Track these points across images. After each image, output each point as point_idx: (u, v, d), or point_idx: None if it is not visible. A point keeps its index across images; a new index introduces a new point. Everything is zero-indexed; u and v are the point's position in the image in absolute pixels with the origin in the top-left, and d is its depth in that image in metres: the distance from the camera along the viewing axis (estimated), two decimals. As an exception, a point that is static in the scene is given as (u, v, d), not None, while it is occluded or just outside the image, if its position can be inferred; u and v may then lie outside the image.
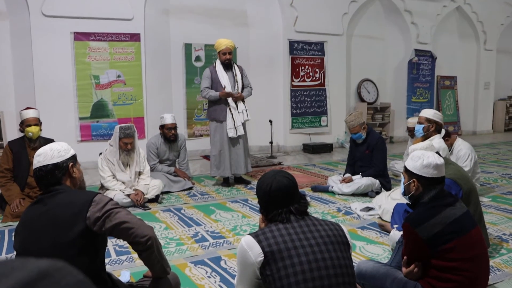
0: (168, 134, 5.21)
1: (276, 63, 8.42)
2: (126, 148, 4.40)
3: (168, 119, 5.23)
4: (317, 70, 8.66)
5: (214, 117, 5.19)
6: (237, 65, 5.34)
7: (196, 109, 7.83)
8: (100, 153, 4.61)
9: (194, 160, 7.23)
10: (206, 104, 7.56)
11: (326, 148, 8.36)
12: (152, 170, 5.15)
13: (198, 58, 7.73)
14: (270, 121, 7.82)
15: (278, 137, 8.39)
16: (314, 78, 8.63)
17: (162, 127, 5.30)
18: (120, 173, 4.53)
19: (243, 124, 5.24)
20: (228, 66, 5.15)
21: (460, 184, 2.81)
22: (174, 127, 5.25)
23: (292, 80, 8.44)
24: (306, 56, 8.53)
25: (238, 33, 7.66)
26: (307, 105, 8.60)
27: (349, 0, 8.90)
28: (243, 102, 5.22)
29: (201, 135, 7.87)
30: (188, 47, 7.67)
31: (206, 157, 7.46)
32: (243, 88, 5.27)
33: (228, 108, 5.09)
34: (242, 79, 5.26)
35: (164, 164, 5.41)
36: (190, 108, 7.80)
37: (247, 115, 5.20)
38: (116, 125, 4.60)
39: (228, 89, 5.05)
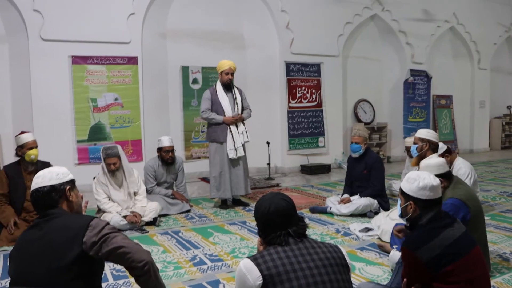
0: (166, 156, 5.18)
1: (273, 85, 8.44)
2: (112, 168, 4.37)
3: (165, 142, 5.21)
4: (313, 91, 8.71)
5: (214, 138, 5.19)
6: (237, 88, 5.36)
7: (194, 131, 7.82)
8: (94, 177, 4.59)
9: (191, 182, 7.17)
10: (204, 126, 7.60)
11: (323, 169, 8.34)
12: (149, 192, 5.12)
13: (195, 81, 7.76)
14: (268, 143, 7.80)
15: (275, 158, 8.33)
16: (311, 99, 8.67)
17: (159, 149, 5.27)
18: (114, 191, 4.49)
19: (243, 145, 5.23)
20: (228, 87, 5.18)
21: (469, 205, 2.77)
22: (171, 149, 5.23)
23: (289, 102, 8.47)
24: (302, 78, 8.58)
25: (235, 56, 7.66)
26: (304, 126, 8.61)
27: (344, 21, 8.94)
28: (243, 123, 5.24)
29: (198, 157, 7.84)
30: (185, 69, 7.70)
31: (204, 179, 7.42)
32: (242, 110, 5.29)
33: (228, 129, 5.10)
34: (241, 101, 5.28)
35: (162, 186, 5.38)
36: (187, 130, 7.79)
37: (247, 136, 5.21)
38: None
39: (229, 111, 5.08)
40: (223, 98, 5.15)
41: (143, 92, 7.10)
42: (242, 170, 5.24)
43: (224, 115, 5.16)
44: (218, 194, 5.26)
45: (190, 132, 7.83)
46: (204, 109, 5.17)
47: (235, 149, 5.11)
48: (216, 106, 5.16)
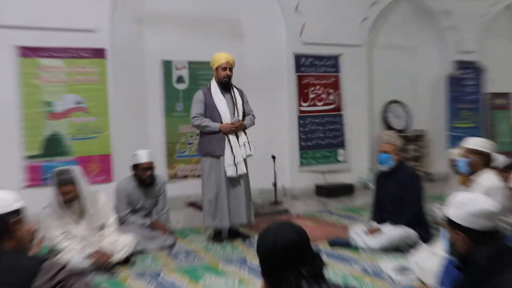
0: (143, 176, 5.26)
1: (279, 84, 8.54)
2: (66, 198, 4.40)
3: (142, 157, 5.28)
4: (330, 91, 8.78)
5: (208, 151, 5.30)
6: (237, 88, 5.47)
7: (179, 143, 7.92)
8: (45, 207, 4.57)
9: (176, 209, 7.18)
10: (192, 136, 7.76)
11: (345, 190, 8.39)
12: (122, 222, 5.17)
13: (180, 79, 7.92)
14: (273, 157, 7.83)
15: (283, 177, 8.33)
16: (327, 101, 8.78)
17: (135, 167, 5.34)
18: (72, 227, 4.52)
19: (245, 160, 5.33)
20: (226, 87, 5.30)
21: None
22: (150, 167, 5.30)
23: (300, 105, 8.56)
24: (316, 74, 8.68)
25: (231, 47, 7.34)
26: (320, 135, 8.70)
27: (369, 2, 9.03)
28: (245, 132, 5.34)
29: (185, 177, 7.93)
30: (167, 65, 7.85)
31: (193, 205, 7.52)
32: (244, 115, 5.41)
33: (226, 140, 5.21)
34: (243, 105, 5.40)
35: (138, 214, 5.44)
36: (171, 142, 7.87)
37: (250, 148, 5.32)
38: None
39: (227, 116, 5.20)
40: (220, 100, 5.26)
41: (114, 93, 7.20)
42: (243, 192, 5.34)
43: (221, 122, 5.26)
44: (213, 223, 5.36)
45: (174, 144, 7.91)
46: (196, 114, 5.26)
47: (235, 165, 5.20)
48: (210, 110, 5.27)
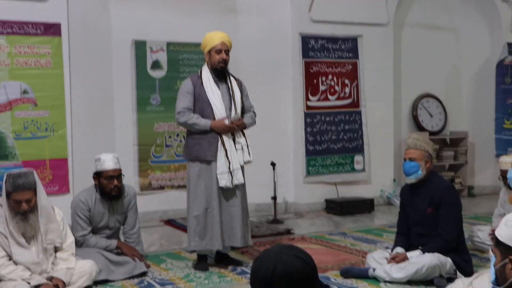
0: (108, 186, 5.26)
1: (281, 72, 8.55)
2: (21, 209, 4.40)
3: (107, 163, 5.31)
4: (346, 81, 8.77)
5: (197, 155, 5.36)
6: (234, 78, 5.58)
7: (154, 145, 8.00)
8: None
9: (150, 227, 7.30)
10: (171, 137, 7.89)
11: (363, 206, 8.46)
12: (80, 244, 5.19)
13: (156, 64, 7.98)
14: (273, 164, 7.89)
15: (285, 188, 8.41)
16: (342, 94, 8.78)
17: (98, 175, 5.35)
18: (18, 249, 4.49)
19: (242, 168, 5.43)
20: (221, 76, 5.41)
21: None
22: (117, 175, 5.32)
23: (307, 99, 8.58)
24: (329, 60, 8.69)
25: (222, 25, 7.21)
26: (332, 137, 8.71)
27: (396, -31, 9.09)
28: (243, 134, 5.46)
29: (161, 188, 8.04)
30: (140, 46, 7.88)
31: (171, 223, 7.60)
32: (243, 112, 5.51)
33: (220, 142, 5.30)
34: (241, 98, 5.49)
35: (101, 234, 5.46)
36: (144, 144, 7.93)
37: (249, 153, 5.44)
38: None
39: (221, 112, 5.30)
40: (213, 92, 5.35)
41: (71, 81, 7.22)
42: (239, 207, 5.42)
43: (214, 118, 5.34)
44: (202, 245, 5.39)
45: (148, 147, 7.96)
46: (182, 108, 5.32)
47: (230, 172, 5.27)
48: (201, 104, 5.35)
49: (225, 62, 5.34)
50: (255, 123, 5.68)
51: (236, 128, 5.33)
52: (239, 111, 5.43)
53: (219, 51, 5.30)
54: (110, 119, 7.80)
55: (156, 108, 8.00)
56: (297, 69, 8.60)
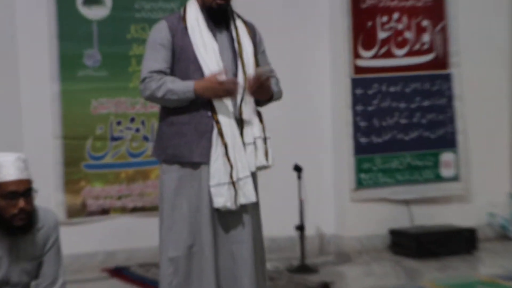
0: (9, 211, 4.19)
1: (310, 12, 7.34)
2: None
3: (6, 170, 4.16)
4: (425, 22, 7.32)
5: (176, 153, 4.50)
6: (244, 21, 4.75)
7: (92, 138, 6.73)
8: None
9: (84, 281, 6.25)
10: (119, 123, 6.82)
11: (457, 242, 7.15)
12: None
13: None
14: (298, 169, 6.61)
15: (320, 212, 7.16)
16: (417, 46, 7.34)
17: (-9, 190, 4.95)
18: None
19: (254, 176, 4.50)
20: (220, 17, 4.56)
21: None
22: (24, 190, 4.17)
23: (356, 55, 7.17)
24: None
25: None
26: (400, 121, 7.37)
27: None
28: (260, 116, 4.55)
29: (104, 212, 6.75)
30: None
31: (120, 273, 6.59)
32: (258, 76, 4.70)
33: (215, 130, 4.36)
34: (255, 55, 4.62)
35: (0, 291, 5.12)
36: (73, 137, 6.72)
37: (266, 153, 4.47)
38: None
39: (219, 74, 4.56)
40: (206, 44, 4.52)
41: None
42: (249, 246, 4.49)
43: None
44: None
45: (80, 141, 6.74)
46: (150, 73, 4.39)
47: (233, 184, 4.34)
48: (185, 65, 4.47)
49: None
50: (281, 96, 4.68)
51: (237, 88, 4.32)
52: (249, 73, 4.47)
53: None
54: (13, 94, 6.60)
55: (94, 73, 6.68)
56: (338, 3, 7.19)
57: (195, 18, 4.48)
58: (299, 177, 6.57)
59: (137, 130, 6.78)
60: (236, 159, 4.37)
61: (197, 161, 4.35)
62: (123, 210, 6.74)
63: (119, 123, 6.67)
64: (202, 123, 4.35)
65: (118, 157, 6.71)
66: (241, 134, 4.41)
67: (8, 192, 3.94)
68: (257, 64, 4.62)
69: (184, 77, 4.44)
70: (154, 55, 4.45)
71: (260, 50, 4.70)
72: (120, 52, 6.60)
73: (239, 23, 4.60)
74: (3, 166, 4.00)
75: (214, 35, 4.46)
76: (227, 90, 4.26)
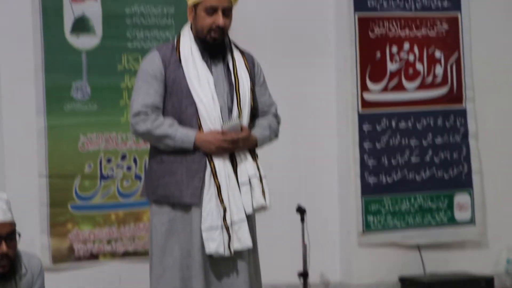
0: None
1: (316, 40, 7.10)
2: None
3: None
4: (438, 54, 7.06)
5: (167, 193, 4.34)
6: (241, 51, 4.67)
7: (80, 176, 6.43)
8: None
9: None
10: (109, 161, 6.58)
11: None
12: None
13: (83, 24, 6.42)
14: (301, 211, 6.19)
15: (325, 257, 6.84)
16: (429, 79, 7.05)
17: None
18: None
19: (251, 218, 4.34)
20: (215, 50, 4.44)
21: None
22: (6, 234, 4.17)
23: (364, 88, 6.90)
24: (404, 14, 7.05)
25: None
26: (411, 159, 7.08)
27: None
28: (253, 155, 4.39)
29: (93, 257, 6.44)
30: None
31: None
32: (253, 114, 4.53)
33: (209, 171, 4.27)
34: (252, 89, 4.51)
35: None
36: (60, 176, 6.41)
37: (263, 192, 4.30)
38: None
39: (213, 114, 4.33)
40: (200, 77, 4.37)
41: None
42: None
43: (199, 128, 4.30)
44: None
45: (67, 179, 6.41)
46: (143, 107, 4.31)
47: (226, 228, 4.23)
48: (177, 100, 4.38)
49: (223, 30, 4.31)
50: (276, 136, 4.58)
51: (239, 146, 4.25)
52: (245, 112, 4.38)
53: (212, 10, 4.25)
54: None
55: (82, 107, 6.40)
56: (345, 33, 6.94)
57: (188, 48, 4.38)
58: (302, 220, 6.16)
59: (129, 168, 6.51)
60: (230, 201, 4.26)
61: (188, 202, 4.23)
62: (113, 255, 6.43)
63: (109, 160, 6.40)
64: (195, 161, 4.25)
65: (108, 198, 6.43)
66: (235, 173, 4.31)
67: (-12, 237, 4.17)
68: (253, 97, 4.51)
69: (177, 111, 4.35)
70: (146, 87, 4.32)
71: (259, 82, 4.57)
72: (110, 84, 6.36)
73: (236, 53, 4.50)
74: None
75: (209, 67, 4.36)
76: (227, 148, 4.18)
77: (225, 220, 4.17)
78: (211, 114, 4.25)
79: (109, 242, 6.32)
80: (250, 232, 4.28)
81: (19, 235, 4.06)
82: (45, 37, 6.16)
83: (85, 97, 6.29)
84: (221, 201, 4.18)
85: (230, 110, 4.31)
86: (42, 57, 6.19)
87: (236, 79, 4.40)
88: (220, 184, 4.21)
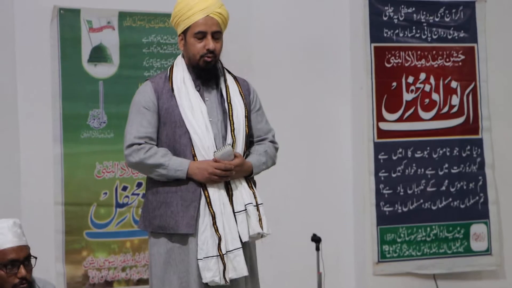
0: (9, 281, 4.16)
1: (330, 69, 7.11)
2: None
3: (4, 237, 4.11)
4: (453, 85, 7.10)
5: (163, 224, 4.43)
6: (235, 77, 4.74)
7: (96, 204, 6.50)
8: None
9: None
10: (126, 189, 6.70)
11: None
12: None
13: (100, 54, 6.50)
14: (316, 239, 6.27)
15: (340, 286, 7.02)
16: (445, 109, 7.15)
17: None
18: None
19: (249, 246, 4.44)
20: (207, 76, 4.51)
21: None
22: (24, 258, 4.14)
23: (380, 118, 6.98)
24: (420, 45, 7.09)
25: None
26: (427, 189, 7.06)
27: None
28: (250, 183, 4.46)
29: (108, 284, 6.59)
30: (69, 19, 6.43)
31: None
32: (247, 142, 4.58)
33: (204, 200, 4.31)
34: (247, 117, 4.59)
35: None
36: (75, 203, 6.47)
37: (260, 220, 4.40)
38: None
39: (207, 143, 4.41)
40: (194, 106, 4.44)
41: None
42: None
43: (193, 157, 4.40)
44: None
45: (82, 207, 6.50)
46: (136, 138, 4.41)
47: (222, 259, 4.29)
48: (171, 130, 4.46)
49: (214, 54, 4.37)
50: (274, 162, 4.66)
51: (232, 173, 4.31)
52: (240, 140, 4.43)
53: (202, 35, 4.34)
54: (12, 156, 6.35)
55: (99, 135, 6.49)
56: (361, 62, 6.96)
57: (181, 78, 4.46)
58: (318, 249, 6.24)
59: (144, 195, 6.75)
60: (225, 229, 4.31)
61: (184, 233, 4.31)
62: (128, 282, 6.53)
63: (124, 188, 6.50)
64: (189, 191, 4.30)
65: (123, 225, 6.52)
66: (231, 201, 4.36)
67: (8, 260, 3.89)
68: (248, 125, 4.58)
69: (171, 141, 4.43)
70: (139, 119, 4.43)
71: (255, 109, 4.64)
72: (127, 113, 5.79)
73: (230, 80, 4.56)
74: (0, 233, 3.97)
75: (202, 95, 4.44)
76: (222, 177, 4.25)
77: (220, 249, 4.25)
78: (205, 143, 4.33)
79: (123, 269, 6.39)
80: (248, 260, 4.33)
81: (35, 259, 4.09)
82: (62, 66, 6.24)
83: (102, 125, 6.38)
84: (216, 230, 4.26)
85: (224, 138, 4.39)
86: (60, 86, 6.27)
87: (230, 107, 4.48)
88: (215, 213, 4.29)
